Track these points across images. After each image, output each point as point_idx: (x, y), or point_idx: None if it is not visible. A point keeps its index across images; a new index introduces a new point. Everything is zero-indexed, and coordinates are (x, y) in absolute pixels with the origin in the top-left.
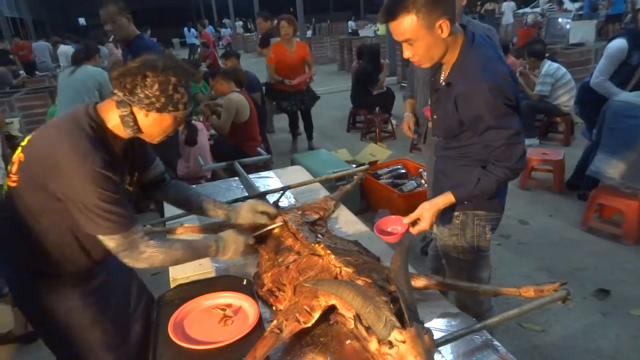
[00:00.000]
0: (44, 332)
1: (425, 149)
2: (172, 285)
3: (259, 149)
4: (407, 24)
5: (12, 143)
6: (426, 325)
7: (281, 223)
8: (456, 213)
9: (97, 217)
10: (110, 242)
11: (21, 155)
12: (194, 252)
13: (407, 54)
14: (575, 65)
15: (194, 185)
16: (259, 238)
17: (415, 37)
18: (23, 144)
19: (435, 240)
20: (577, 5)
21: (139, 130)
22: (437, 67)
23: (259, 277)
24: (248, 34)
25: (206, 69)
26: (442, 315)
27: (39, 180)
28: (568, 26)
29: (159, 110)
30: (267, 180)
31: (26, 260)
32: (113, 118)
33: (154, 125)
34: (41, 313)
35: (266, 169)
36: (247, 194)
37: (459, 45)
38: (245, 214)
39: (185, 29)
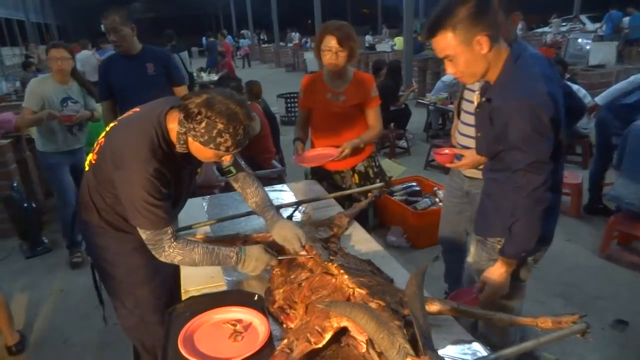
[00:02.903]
0: (102, 268)
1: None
2: (184, 296)
3: (273, 161)
4: (445, 41)
5: (31, 146)
6: (439, 352)
7: (307, 255)
8: (498, 238)
9: (137, 212)
10: (142, 234)
11: (102, 139)
12: (214, 259)
13: (449, 70)
14: (595, 87)
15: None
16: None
17: (454, 53)
18: (107, 129)
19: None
20: (596, 25)
21: (188, 149)
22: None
23: (271, 293)
24: (265, 45)
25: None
26: (456, 342)
27: (108, 165)
28: (588, 47)
29: (201, 144)
30: (280, 194)
31: (96, 219)
32: (173, 130)
33: (197, 151)
34: (103, 255)
35: (280, 181)
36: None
37: (502, 61)
38: (277, 232)
39: (204, 38)
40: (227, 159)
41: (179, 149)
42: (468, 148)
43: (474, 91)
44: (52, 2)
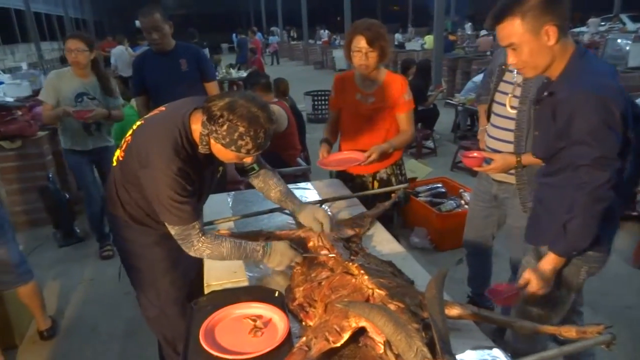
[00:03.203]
0: (126, 260)
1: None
2: (206, 290)
3: (298, 159)
4: (511, 28)
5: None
6: (458, 356)
7: (333, 255)
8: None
9: (165, 209)
10: (171, 229)
11: (129, 137)
12: (241, 253)
13: (510, 59)
14: (634, 90)
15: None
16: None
17: (519, 41)
18: (134, 127)
19: None
20: (637, 25)
21: (210, 150)
22: (543, 83)
23: (291, 290)
24: (294, 42)
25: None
26: (476, 348)
27: (134, 163)
28: (628, 47)
29: (223, 146)
30: (304, 192)
31: (121, 213)
32: (197, 131)
33: (219, 153)
34: (127, 247)
35: (304, 179)
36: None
37: (567, 56)
38: (306, 214)
39: (234, 35)
40: (248, 160)
41: (202, 149)
42: (498, 152)
43: (506, 94)
44: None
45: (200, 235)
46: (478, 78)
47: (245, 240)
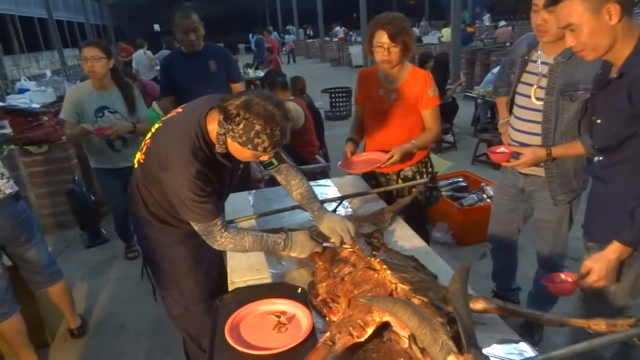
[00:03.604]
0: (150, 259)
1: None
2: (230, 287)
3: (317, 156)
4: (571, 6)
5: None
6: (484, 350)
7: (351, 249)
8: None
9: (186, 208)
10: (195, 226)
11: (149, 140)
12: (263, 245)
13: (569, 41)
14: None
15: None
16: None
17: (579, 21)
18: (152, 130)
19: None
20: None
21: (227, 149)
22: (605, 66)
23: (314, 286)
24: (310, 40)
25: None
26: (502, 342)
27: (154, 166)
28: None
29: (240, 144)
30: (324, 189)
31: (144, 213)
32: (213, 131)
33: (236, 151)
34: (150, 246)
35: (324, 176)
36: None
37: (634, 38)
38: (325, 225)
39: (251, 35)
40: (265, 158)
41: (219, 149)
42: (525, 145)
43: (530, 85)
44: (110, 5)
45: (223, 230)
46: (497, 69)
47: (266, 233)
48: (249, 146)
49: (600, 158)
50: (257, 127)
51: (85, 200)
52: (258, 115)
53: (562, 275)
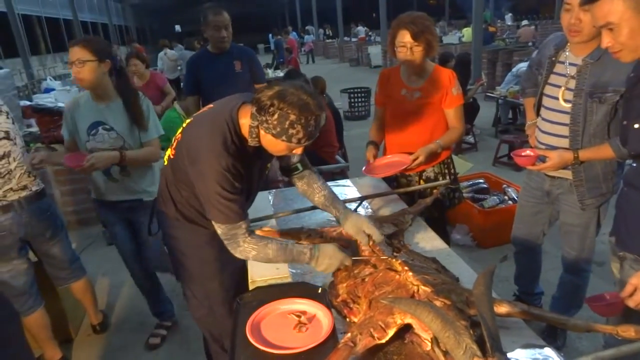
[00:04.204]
0: (175, 257)
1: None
2: (251, 287)
3: (337, 156)
4: (611, 5)
5: None
6: (508, 355)
7: (379, 256)
8: None
9: (212, 206)
10: (217, 228)
11: (179, 135)
12: (287, 255)
13: (605, 41)
14: None
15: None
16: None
17: (619, 20)
18: (184, 125)
19: None
20: None
21: (259, 142)
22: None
23: (334, 287)
24: (330, 40)
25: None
26: (526, 346)
27: (184, 160)
28: None
29: (274, 136)
30: (344, 189)
31: (172, 212)
32: (245, 125)
33: (269, 144)
34: (177, 246)
35: (343, 176)
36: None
37: None
38: (351, 224)
39: (270, 35)
40: (298, 152)
41: (251, 142)
42: (552, 148)
43: (558, 86)
44: (132, 6)
45: (247, 235)
46: (517, 69)
47: (291, 240)
48: (283, 137)
49: (634, 164)
50: (292, 117)
51: None
52: (292, 104)
53: (607, 296)
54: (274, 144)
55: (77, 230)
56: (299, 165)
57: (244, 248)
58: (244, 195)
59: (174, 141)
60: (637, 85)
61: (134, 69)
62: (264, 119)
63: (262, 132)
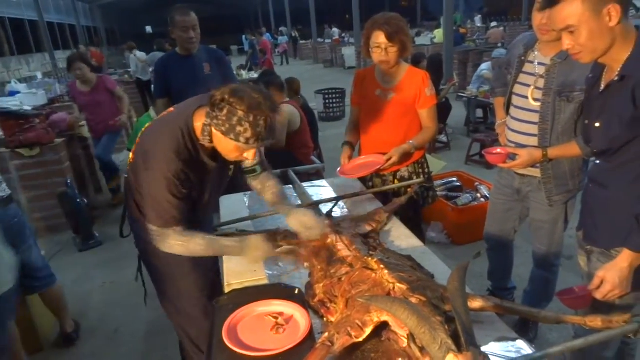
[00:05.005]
0: (149, 262)
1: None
2: (227, 290)
3: (312, 157)
4: (571, 8)
5: (83, 145)
6: (482, 349)
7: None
8: (619, 249)
9: (152, 208)
10: (150, 225)
11: (138, 139)
12: (214, 249)
13: (566, 44)
14: None
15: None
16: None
17: (578, 23)
18: (143, 129)
19: None
20: None
21: (212, 142)
22: (598, 71)
23: (311, 287)
24: (303, 41)
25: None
26: (499, 340)
27: (140, 164)
28: None
29: (223, 134)
30: (320, 190)
31: (138, 215)
32: (199, 128)
33: (219, 144)
34: (149, 249)
35: (319, 177)
36: (300, 203)
37: (631, 39)
38: (294, 220)
39: (244, 37)
40: (250, 157)
41: (203, 141)
42: (522, 146)
43: (527, 85)
44: (101, 7)
45: (176, 232)
46: (479, 71)
47: (221, 237)
48: (232, 135)
49: (597, 162)
50: (240, 113)
51: (77, 204)
52: (242, 100)
53: (576, 289)
54: (223, 144)
55: (46, 237)
56: (257, 167)
57: (170, 246)
58: (189, 201)
59: (135, 145)
60: (595, 85)
61: (78, 73)
62: (214, 114)
63: (213, 130)
